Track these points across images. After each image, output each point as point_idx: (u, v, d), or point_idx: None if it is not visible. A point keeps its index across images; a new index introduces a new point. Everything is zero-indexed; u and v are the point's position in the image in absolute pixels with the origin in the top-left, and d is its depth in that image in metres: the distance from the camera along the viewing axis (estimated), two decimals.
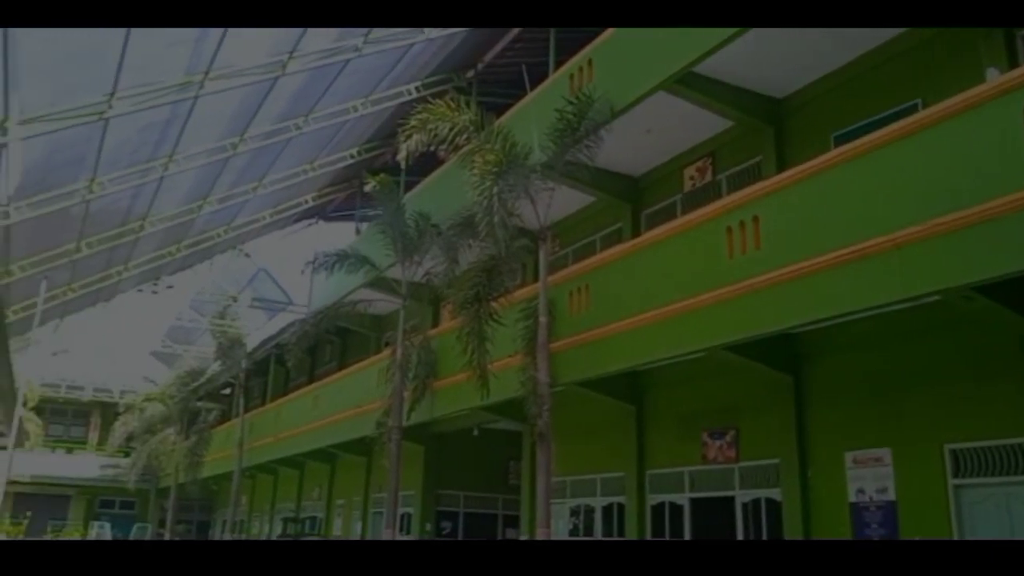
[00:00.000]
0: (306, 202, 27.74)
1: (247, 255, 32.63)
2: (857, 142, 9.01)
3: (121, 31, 12.48)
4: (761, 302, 9.60)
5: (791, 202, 9.62)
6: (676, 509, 13.34)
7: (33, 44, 11.86)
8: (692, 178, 14.38)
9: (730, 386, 12.40)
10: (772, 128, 12.67)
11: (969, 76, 9.15)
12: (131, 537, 38.39)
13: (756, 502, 11.97)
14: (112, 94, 14.20)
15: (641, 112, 12.77)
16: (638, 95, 12.47)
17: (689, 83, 12.07)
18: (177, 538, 32.18)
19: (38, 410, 37.35)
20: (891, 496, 9.99)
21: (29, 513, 38.24)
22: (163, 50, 14.06)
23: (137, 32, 12.53)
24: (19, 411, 21.17)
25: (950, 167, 7.98)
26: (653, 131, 13.70)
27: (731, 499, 12.34)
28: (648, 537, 13.67)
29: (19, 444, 24.89)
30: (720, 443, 12.56)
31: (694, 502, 13.09)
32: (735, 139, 13.47)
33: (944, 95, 8.29)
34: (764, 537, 11.69)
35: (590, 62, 13.77)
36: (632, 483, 14.09)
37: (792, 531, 11.05)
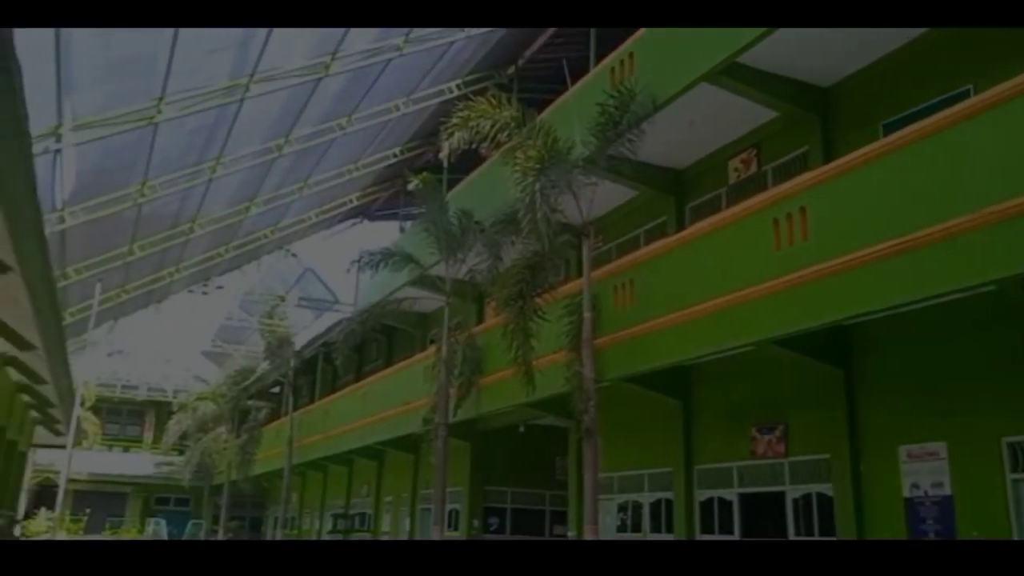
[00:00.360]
0: (351, 202, 28.04)
1: (294, 255, 33.15)
2: (907, 130, 8.81)
3: (168, 37, 12.75)
4: (810, 295, 9.45)
5: (839, 192, 9.44)
6: (725, 504, 13.21)
7: (83, 51, 12.16)
8: (737, 170, 14.20)
9: (778, 380, 12.24)
10: (819, 118, 12.44)
11: (1022, 60, 8.87)
12: (186, 533, 39.22)
13: (807, 497, 11.80)
14: (161, 99, 14.51)
15: (684, 104, 12.63)
16: (680, 87, 12.35)
17: (732, 74, 11.90)
18: (231, 535, 32.78)
19: (95, 409, 38.38)
20: (947, 491, 9.76)
21: (88, 510, 39.36)
22: (208, 55, 14.33)
23: (183, 37, 12.79)
24: (77, 411, 21.77)
25: (1003, 153, 7.77)
26: (696, 123, 13.54)
27: (781, 494, 12.18)
28: (697, 532, 13.57)
29: (77, 443, 25.59)
30: (769, 438, 12.39)
31: (743, 497, 12.95)
32: (781, 129, 13.26)
33: (997, 80, 8.05)
34: (816, 532, 11.52)
35: (631, 55, 13.68)
36: (680, 479, 13.99)
37: (844, 526, 10.87)
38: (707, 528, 13.48)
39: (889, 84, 11.52)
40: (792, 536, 11.86)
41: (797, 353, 10.99)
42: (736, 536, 12.86)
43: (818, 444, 11.60)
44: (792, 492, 12.02)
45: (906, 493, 10.22)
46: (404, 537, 23.45)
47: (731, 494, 13.10)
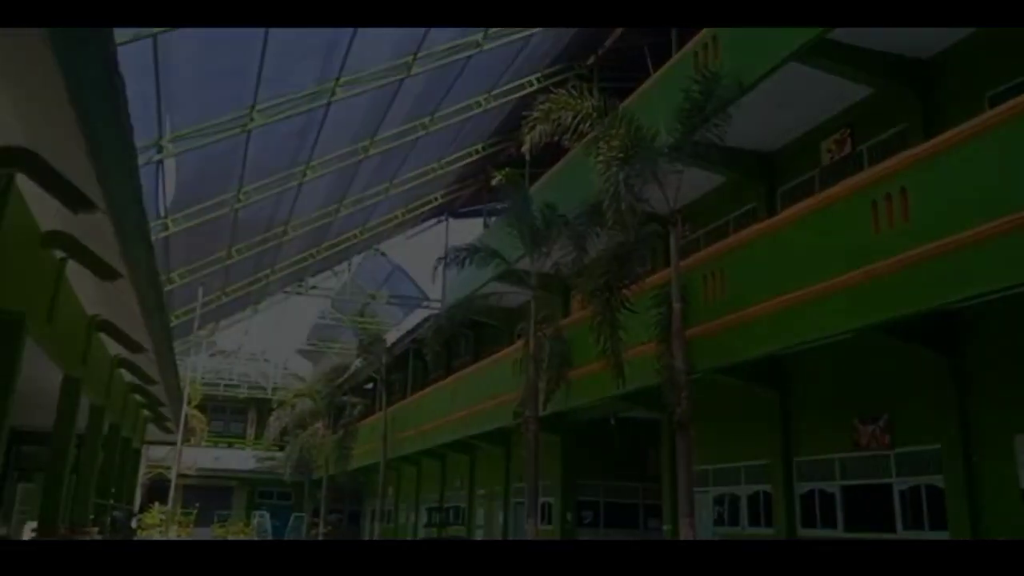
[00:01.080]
0: (435, 200, 28.40)
1: (383, 254, 33.79)
2: (1017, 100, 8.30)
3: (257, 46, 13.14)
4: (914, 278, 9.04)
5: (943, 170, 8.98)
6: (827, 497, 12.80)
7: (180, 65, 12.66)
8: (830, 151, 13.70)
9: (881, 369, 11.77)
10: (917, 93, 11.87)
11: None
12: (289, 526, 40.50)
13: (915, 490, 11.31)
14: (253, 107, 14.99)
15: (771, 85, 12.24)
16: (768, 68, 11.98)
17: (822, 51, 11.47)
18: (330, 528, 33.70)
19: (201, 407, 39.98)
20: None
21: (197, 504, 41.15)
22: (296, 62, 14.72)
23: (271, 46, 13.17)
24: (185, 409, 22.78)
25: None
26: (785, 105, 13.12)
27: (887, 487, 11.72)
28: (799, 526, 13.19)
29: (186, 440, 26.81)
30: (872, 429, 11.94)
31: (846, 490, 12.52)
32: (876, 107, 12.71)
33: None
34: (926, 526, 11.04)
35: (715, 38, 13.35)
36: (778, 471, 13.62)
37: (957, 519, 10.38)
38: (808, 521, 13.08)
39: (995, 52, 10.87)
40: (900, 530, 11.40)
41: (900, 340, 10.55)
42: (839, 530, 12.45)
43: (926, 434, 11.11)
44: (899, 484, 11.55)
45: None
46: (498, 531, 23.63)
47: (833, 487, 12.69)
